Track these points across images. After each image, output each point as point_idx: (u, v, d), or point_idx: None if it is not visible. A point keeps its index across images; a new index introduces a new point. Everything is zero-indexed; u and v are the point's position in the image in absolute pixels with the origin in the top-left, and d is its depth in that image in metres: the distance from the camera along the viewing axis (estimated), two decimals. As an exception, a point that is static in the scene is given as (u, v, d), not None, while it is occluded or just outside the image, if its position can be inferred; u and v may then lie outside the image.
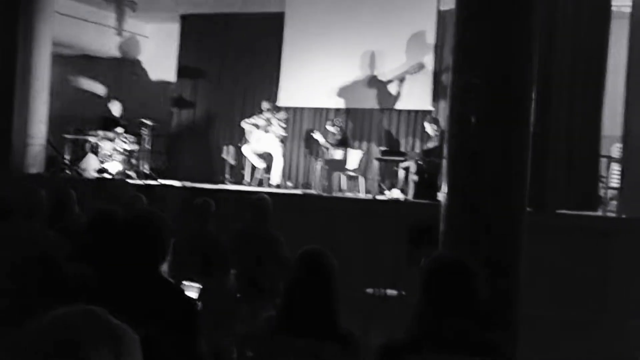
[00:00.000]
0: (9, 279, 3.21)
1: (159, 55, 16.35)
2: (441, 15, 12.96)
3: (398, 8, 13.26)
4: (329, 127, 12.70)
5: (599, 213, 9.65)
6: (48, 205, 5.44)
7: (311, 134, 13.25)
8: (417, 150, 12.59)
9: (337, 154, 12.43)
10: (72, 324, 1.43)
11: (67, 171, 12.26)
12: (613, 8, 9.83)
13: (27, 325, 1.42)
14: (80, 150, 12.73)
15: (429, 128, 11.83)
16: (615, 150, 9.94)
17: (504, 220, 5.10)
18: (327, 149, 12.59)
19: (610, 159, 9.92)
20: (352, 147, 12.92)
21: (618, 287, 8.29)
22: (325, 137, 12.69)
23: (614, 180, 9.77)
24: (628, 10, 9.48)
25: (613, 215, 9.44)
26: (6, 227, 4.92)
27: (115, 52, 16.30)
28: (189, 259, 5.99)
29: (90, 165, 12.19)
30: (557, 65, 9.53)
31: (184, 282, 4.74)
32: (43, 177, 11.51)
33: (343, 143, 12.47)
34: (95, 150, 12.41)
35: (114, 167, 12.25)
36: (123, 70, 16.62)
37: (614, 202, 9.77)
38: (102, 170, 12.10)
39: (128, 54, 16.51)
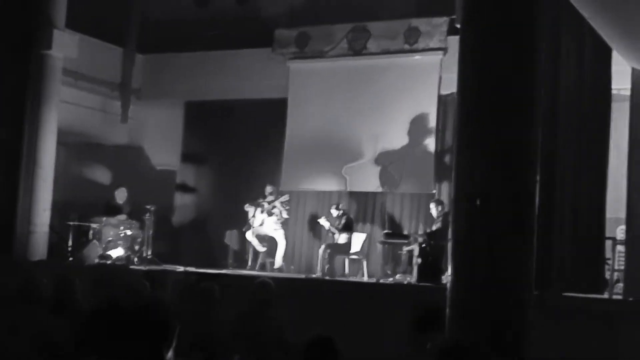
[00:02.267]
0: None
1: (163, 142, 16.48)
2: (442, 100, 13.12)
3: (400, 92, 13.43)
4: (333, 211, 12.70)
5: (605, 296, 9.56)
6: (51, 292, 5.39)
7: (317, 220, 13.24)
8: (421, 232, 12.55)
9: (342, 238, 12.40)
10: None
11: (71, 258, 12.22)
12: (613, 91, 9.97)
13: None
14: (84, 237, 12.72)
15: (434, 210, 11.84)
16: (620, 232, 9.91)
17: (511, 304, 5.04)
18: (334, 234, 12.57)
19: (615, 241, 9.88)
20: (357, 231, 12.89)
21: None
22: (330, 221, 12.70)
23: (620, 263, 9.70)
24: (628, 93, 9.60)
25: (619, 297, 9.34)
26: (8, 314, 4.87)
27: (119, 139, 16.44)
28: (193, 345, 5.91)
29: (94, 252, 12.15)
30: (560, 147, 9.60)
31: (188, 370, 4.66)
32: (46, 265, 11.46)
33: (348, 228, 12.45)
34: (98, 236, 12.40)
35: (117, 253, 12.23)
36: (127, 157, 16.73)
37: (620, 285, 9.69)
38: (105, 257, 12.06)
39: (134, 141, 16.65)
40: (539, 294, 5.51)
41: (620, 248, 9.72)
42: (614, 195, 9.89)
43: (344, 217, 12.49)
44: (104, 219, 12.53)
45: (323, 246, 12.40)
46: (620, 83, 9.91)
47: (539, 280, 5.61)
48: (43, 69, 12.34)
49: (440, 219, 11.58)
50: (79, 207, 13.76)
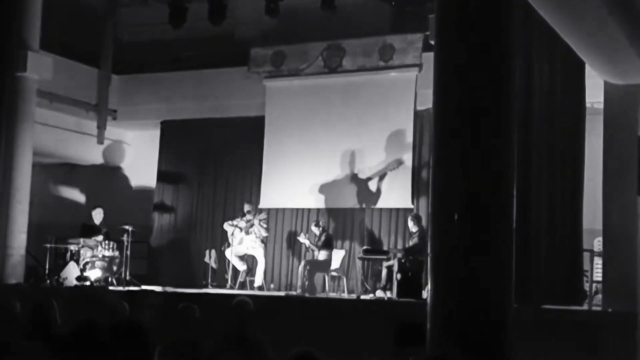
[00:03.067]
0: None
1: (140, 161, 16.44)
2: (418, 115, 13.19)
3: (376, 108, 13.49)
4: (313, 228, 12.70)
5: (585, 307, 9.62)
6: (26, 316, 5.33)
7: (297, 238, 13.24)
8: (400, 247, 12.57)
9: (321, 254, 12.39)
10: None
11: (48, 281, 12.11)
12: (587, 104, 10.07)
13: None
14: (61, 259, 12.61)
15: (411, 225, 11.87)
16: (597, 243, 9.99)
17: (491, 317, 5.06)
18: (313, 251, 12.56)
19: (593, 252, 9.95)
20: (336, 248, 12.89)
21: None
22: (310, 238, 12.69)
23: (597, 274, 9.77)
24: (601, 106, 9.70)
25: (599, 309, 9.40)
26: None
27: (96, 160, 16.37)
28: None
29: (71, 274, 12.05)
30: (536, 160, 9.69)
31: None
32: (22, 288, 11.34)
33: (328, 245, 12.45)
34: (76, 258, 12.30)
35: (95, 274, 12.13)
36: (104, 178, 16.66)
37: (599, 296, 9.75)
38: (82, 278, 11.97)
39: (110, 161, 16.59)
40: (518, 307, 5.53)
41: (597, 260, 9.79)
42: (590, 207, 9.97)
43: (324, 235, 12.49)
44: (81, 240, 12.43)
45: (303, 263, 12.38)
46: (594, 96, 10.02)
47: (518, 293, 5.64)
48: (18, 90, 12.27)
49: (418, 234, 11.62)
50: (56, 228, 13.67)
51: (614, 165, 9.31)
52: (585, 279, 10.15)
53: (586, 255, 9.99)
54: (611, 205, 9.33)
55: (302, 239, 12.85)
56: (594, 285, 9.93)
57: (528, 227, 9.39)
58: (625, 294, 9.03)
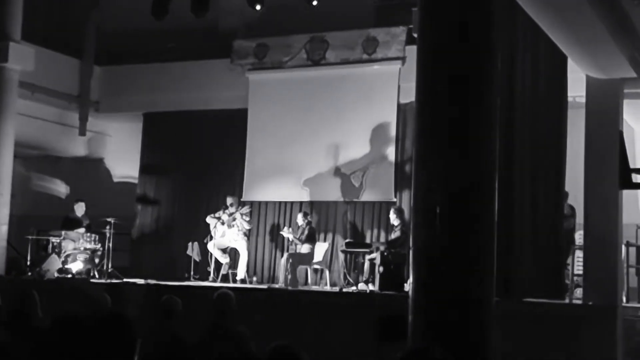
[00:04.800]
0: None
1: (123, 154, 16.36)
2: (401, 108, 13.21)
3: (359, 101, 13.49)
4: (299, 219, 12.69)
5: (566, 301, 9.69)
6: (6, 308, 5.30)
7: (280, 232, 13.24)
8: (382, 240, 12.60)
9: (304, 248, 12.40)
10: None
11: (30, 273, 12.06)
12: (569, 98, 10.12)
13: None
14: (43, 251, 12.56)
15: (393, 218, 11.91)
16: (578, 237, 10.06)
17: (473, 310, 5.08)
18: (296, 244, 12.56)
19: (574, 246, 10.01)
20: (319, 241, 12.91)
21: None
22: (294, 231, 12.71)
23: (579, 268, 9.83)
24: (583, 100, 9.75)
25: (579, 302, 9.47)
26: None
27: (78, 152, 16.28)
28: (155, 359, 5.85)
29: (53, 266, 12.01)
30: (517, 155, 9.73)
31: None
32: (4, 280, 11.29)
33: (311, 238, 12.46)
34: (57, 250, 12.25)
35: (77, 266, 12.09)
36: (87, 170, 16.58)
37: (580, 289, 9.82)
38: (64, 271, 11.92)
39: (92, 153, 16.50)
40: (499, 301, 5.55)
41: (579, 253, 9.85)
42: (572, 201, 10.03)
43: (307, 228, 12.49)
44: (63, 232, 12.39)
45: (285, 256, 12.39)
46: (576, 90, 10.06)
47: (500, 287, 5.66)
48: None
49: (400, 227, 11.66)
50: (38, 220, 13.60)
51: (596, 159, 9.36)
52: (566, 272, 10.22)
53: (567, 248, 10.05)
54: (592, 200, 9.39)
55: (285, 232, 12.86)
56: (575, 278, 10.00)
57: (510, 220, 9.43)
58: (605, 287, 9.10)
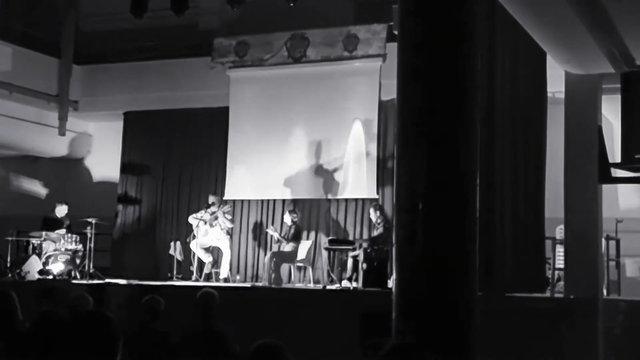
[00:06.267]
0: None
1: (103, 153, 16.28)
2: (383, 105, 13.22)
3: (341, 99, 13.50)
4: (287, 217, 12.67)
5: (547, 294, 9.75)
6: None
7: (266, 230, 13.23)
8: (365, 237, 12.62)
9: (288, 246, 12.38)
10: None
11: (9, 274, 11.97)
12: (548, 94, 10.18)
13: None
14: (23, 252, 12.48)
15: (373, 215, 11.94)
16: (559, 231, 10.12)
17: (456, 307, 5.10)
18: (281, 242, 12.53)
19: (555, 240, 10.08)
20: (302, 239, 12.90)
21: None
22: (279, 229, 12.71)
23: (560, 262, 9.90)
24: (562, 96, 9.81)
25: (561, 296, 9.54)
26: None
27: (58, 152, 16.17)
28: (138, 359, 5.83)
29: (33, 267, 11.93)
30: (498, 149, 9.77)
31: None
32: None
33: (297, 237, 12.44)
34: (38, 251, 12.17)
35: (58, 267, 12.02)
36: (66, 170, 16.48)
37: (561, 283, 9.89)
38: (45, 272, 11.84)
39: (72, 153, 16.40)
40: (482, 295, 5.57)
41: (560, 247, 9.92)
42: (552, 195, 10.09)
43: (294, 227, 12.46)
44: (44, 233, 12.31)
45: (269, 255, 12.37)
46: (555, 86, 10.12)
47: (482, 281, 5.68)
48: (-24, 82, 12.10)
49: (382, 223, 11.68)
50: (17, 221, 13.50)
51: (575, 154, 9.43)
52: (547, 266, 10.28)
53: (548, 243, 10.12)
54: (572, 194, 9.46)
55: (271, 231, 12.85)
56: (556, 272, 10.07)
57: (492, 215, 9.48)
58: (586, 280, 9.17)
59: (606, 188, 9.65)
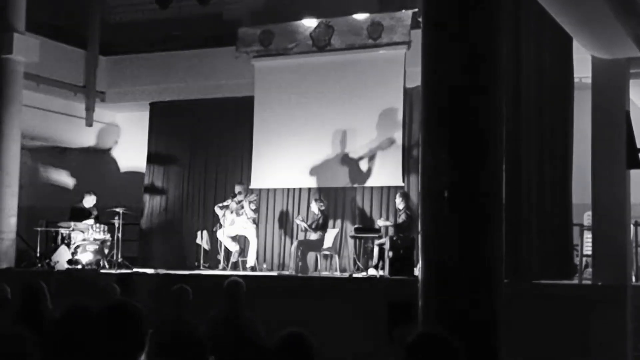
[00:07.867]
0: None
1: (130, 144, 16.39)
2: (408, 93, 13.17)
3: (365, 87, 13.46)
4: (313, 206, 12.68)
5: (575, 281, 9.68)
6: (17, 299, 5.33)
7: (295, 220, 13.24)
8: (390, 223, 12.58)
9: (315, 235, 12.40)
10: None
11: (39, 264, 12.11)
12: (575, 79, 10.08)
13: None
14: (52, 243, 12.61)
15: (399, 202, 11.91)
16: (587, 218, 10.04)
17: (483, 294, 5.08)
18: (307, 232, 12.55)
19: (582, 227, 10.00)
20: (329, 227, 12.91)
21: (598, 354, 8.27)
22: (306, 217, 12.73)
23: (587, 248, 9.83)
24: (589, 81, 9.71)
25: (589, 282, 9.47)
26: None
27: (85, 143, 16.30)
28: (165, 349, 5.87)
29: (62, 257, 12.05)
30: (524, 136, 9.70)
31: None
32: (14, 272, 11.34)
33: (324, 227, 12.44)
34: (67, 241, 12.29)
35: (87, 257, 12.13)
36: (94, 160, 16.62)
37: (589, 270, 9.81)
38: (74, 262, 11.96)
39: (99, 144, 16.53)
40: (509, 283, 5.56)
41: (587, 234, 9.84)
42: (579, 181, 10.01)
43: (321, 217, 12.46)
44: (72, 223, 12.42)
45: (295, 243, 12.40)
46: (582, 71, 10.02)
47: (509, 269, 5.67)
48: (4, 73, 12.22)
49: (404, 210, 11.66)
50: (46, 212, 13.65)
51: (603, 139, 9.34)
52: (575, 253, 10.21)
53: (576, 229, 10.04)
54: (600, 180, 9.37)
55: (298, 220, 12.88)
56: (584, 259, 9.99)
57: (518, 202, 9.42)
58: (614, 267, 9.09)
59: (634, 173, 9.54)
